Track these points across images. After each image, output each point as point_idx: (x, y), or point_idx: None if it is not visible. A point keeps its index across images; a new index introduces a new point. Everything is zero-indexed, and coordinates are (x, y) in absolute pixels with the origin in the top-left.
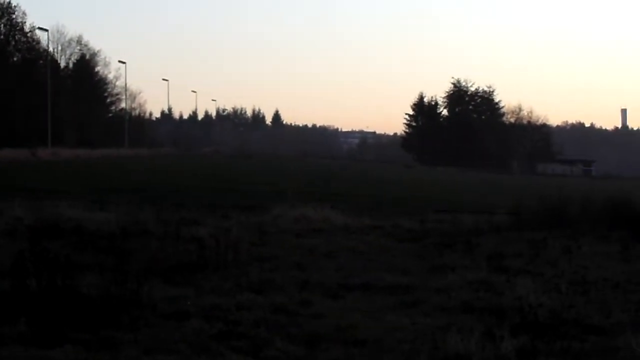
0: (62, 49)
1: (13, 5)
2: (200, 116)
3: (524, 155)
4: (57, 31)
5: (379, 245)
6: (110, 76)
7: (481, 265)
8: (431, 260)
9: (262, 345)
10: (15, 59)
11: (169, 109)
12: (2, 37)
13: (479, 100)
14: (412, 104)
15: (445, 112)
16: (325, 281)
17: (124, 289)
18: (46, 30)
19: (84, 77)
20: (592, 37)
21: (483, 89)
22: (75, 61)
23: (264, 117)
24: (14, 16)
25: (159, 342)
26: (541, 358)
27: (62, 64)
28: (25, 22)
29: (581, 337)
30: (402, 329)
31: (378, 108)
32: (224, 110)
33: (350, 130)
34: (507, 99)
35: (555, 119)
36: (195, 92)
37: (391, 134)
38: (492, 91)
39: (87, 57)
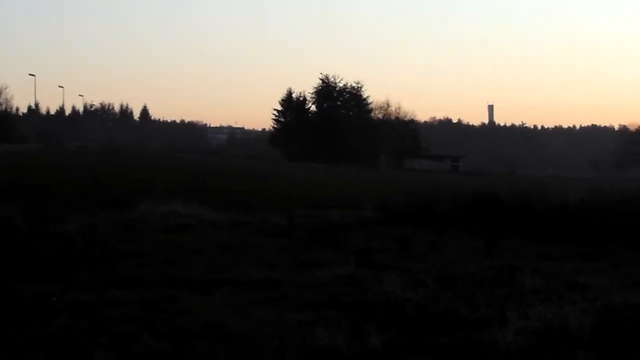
0: None
1: None
2: (68, 112)
3: (392, 151)
4: None
5: (247, 241)
6: None
7: (349, 261)
8: (299, 256)
9: (130, 341)
10: None
11: (36, 104)
12: None
13: (347, 96)
14: (280, 99)
15: (313, 108)
16: (194, 277)
17: None
18: None
19: None
20: (458, 34)
21: (351, 85)
22: None
23: (132, 112)
24: None
25: (25, 339)
26: (408, 352)
27: None
28: None
29: (448, 331)
30: (270, 325)
31: (247, 104)
32: (91, 106)
33: (218, 125)
34: (376, 95)
35: (423, 115)
36: (62, 87)
37: (260, 129)
38: (360, 87)
39: None
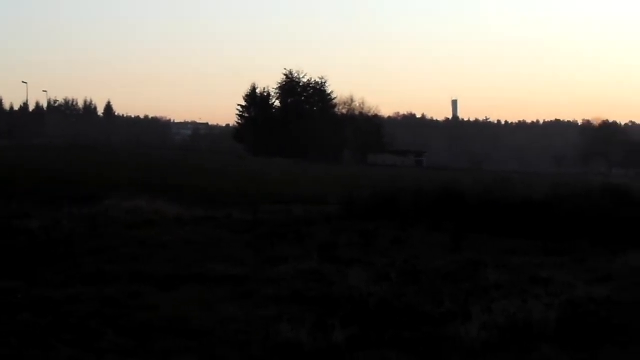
0: None
1: None
2: (32, 107)
3: (357, 146)
4: None
5: (212, 237)
6: None
7: (313, 256)
8: (264, 251)
9: (94, 337)
10: None
11: None
12: None
13: (311, 91)
14: (244, 95)
15: (277, 103)
16: (158, 273)
17: None
18: None
19: None
20: (421, 28)
21: (315, 80)
22: None
23: (96, 108)
24: None
25: None
26: (372, 347)
27: None
28: None
29: (412, 326)
30: (235, 320)
31: (211, 99)
32: (55, 102)
33: (183, 121)
34: (340, 90)
35: (387, 110)
36: (26, 83)
37: (224, 125)
38: (324, 82)
39: None
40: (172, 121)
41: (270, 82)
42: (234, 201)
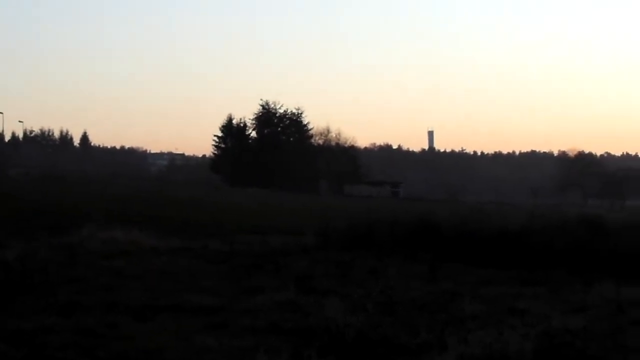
0: None
1: None
2: (8, 138)
3: (333, 177)
4: None
5: (189, 267)
6: None
7: (289, 286)
8: (240, 282)
9: None
10: None
11: None
12: None
13: (287, 122)
14: (221, 125)
15: (254, 134)
16: (134, 303)
17: None
18: None
19: None
20: (397, 59)
21: (291, 111)
22: None
23: (72, 138)
24: None
25: None
26: None
27: None
28: None
29: (388, 356)
30: (211, 351)
31: (187, 129)
32: (31, 132)
33: (159, 152)
34: (316, 120)
35: (363, 141)
36: (1, 113)
37: (200, 155)
38: (301, 113)
39: None
40: (148, 151)
41: (246, 112)
42: (211, 232)
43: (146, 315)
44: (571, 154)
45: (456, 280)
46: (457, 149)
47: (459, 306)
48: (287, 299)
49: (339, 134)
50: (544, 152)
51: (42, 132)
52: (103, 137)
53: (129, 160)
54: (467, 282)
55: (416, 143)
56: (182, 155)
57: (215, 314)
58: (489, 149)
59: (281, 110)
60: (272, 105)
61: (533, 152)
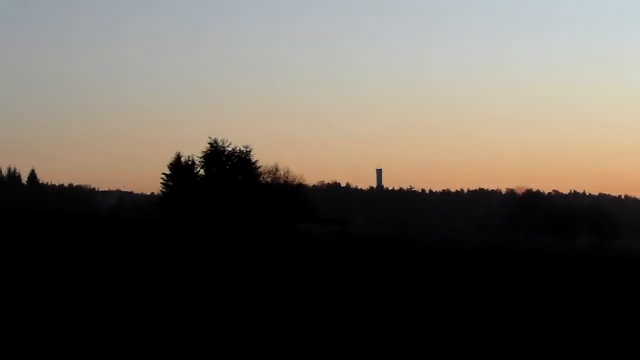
0: None
1: None
2: None
3: (282, 216)
4: None
5: None
6: None
7: None
8: None
9: None
10: None
11: None
12: None
13: (236, 160)
14: (169, 164)
15: (202, 172)
16: None
17: None
18: None
19: None
20: (346, 98)
21: (240, 149)
22: None
23: (20, 176)
24: None
25: None
26: None
27: None
28: None
29: None
30: None
31: (136, 167)
32: None
33: (108, 189)
34: (265, 159)
35: (312, 179)
36: None
37: (149, 193)
38: (249, 151)
39: None
40: (96, 189)
41: (195, 150)
42: None
43: None
44: (519, 191)
45: None
46: (405, 187)
47: None
48: None
49: (287, 172)
50: (493, 190)
51: None
52: (52, 175)
53: (77, 199)
54: None
55: (365, 181)
56: (131, 193)
57: None
58: (438, 187)
59: (230, 149)
60: (221, 144)
61: (481, 190)
